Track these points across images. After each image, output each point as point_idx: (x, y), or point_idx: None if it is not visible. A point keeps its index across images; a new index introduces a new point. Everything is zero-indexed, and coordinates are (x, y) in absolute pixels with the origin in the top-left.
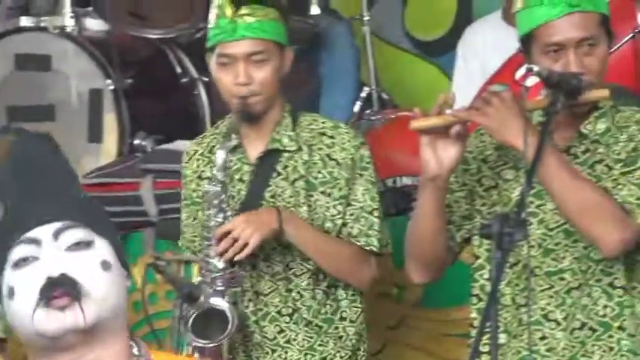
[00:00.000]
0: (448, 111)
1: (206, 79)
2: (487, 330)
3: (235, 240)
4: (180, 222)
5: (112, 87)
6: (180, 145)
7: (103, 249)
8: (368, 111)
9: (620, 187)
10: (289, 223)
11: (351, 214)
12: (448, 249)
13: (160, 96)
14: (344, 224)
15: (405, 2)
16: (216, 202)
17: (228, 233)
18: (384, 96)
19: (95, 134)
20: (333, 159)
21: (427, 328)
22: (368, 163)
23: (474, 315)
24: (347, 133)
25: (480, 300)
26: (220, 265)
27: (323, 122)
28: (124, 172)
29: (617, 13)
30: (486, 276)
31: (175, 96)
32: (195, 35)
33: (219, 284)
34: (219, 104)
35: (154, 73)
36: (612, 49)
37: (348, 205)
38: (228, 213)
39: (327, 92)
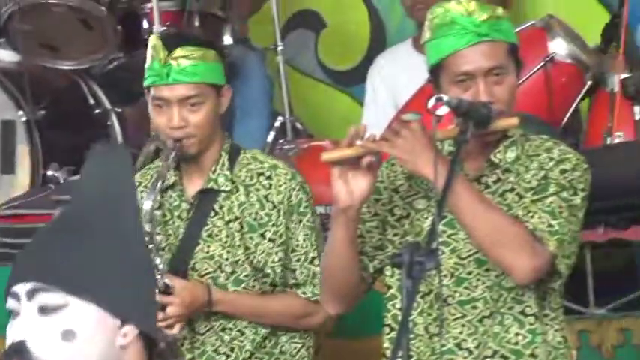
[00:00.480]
0: (359, 142)
1: (119, 110)
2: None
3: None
4: None
5: (24, 118)
6: None
7: (73, 315)
8: (281, 141)
9: (531, 214)
10: (220, 305)
11: (297, 260)
12: (362, 279)
13: (73, 127)
14: (290, 270)
15: (318, 32)
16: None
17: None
18: (298, 125)
19: (8, 166)
20: (270, 201)
21: (341, 358)
22: (306, 207)
23: (386, 345)
24: (285, 174)
25: (392, 329)
26: None
27: (261, 162)
28: (37, 203)
29: (527, 42)
30: (398, 305)
31: (88, 127)
32: (108, 66)
33: None
34: (133, 135)
35: (67, 105)
36: (522, 79)
37: (292, 251)
38: (158, 261)
39: (241, 122)
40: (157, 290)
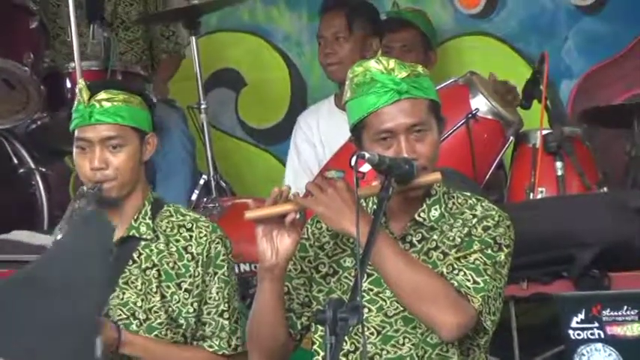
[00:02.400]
0: (291, 196)
1: (43, 170)
2: None
3: None
4: None
5: None
6: (17, 235)
7: None
8: (205, 199)
9: (455, 272)
10: (129, 347)
11: (208, 313)
12: (289, 337)
13: None
14: (201, 322)
15: (238, 90)
16: None
17: None
18: (222, 184)
19: None
20: (189, 252)
21: None
22: (223, 261)
23: None
24: (206, 227)
25: None
26: None
27: (183, 215)
28: None
29: (449, 99)
30: None
31: (12, 187)
32: (31, 126)
33: None
34: (58, 195)
35: None
36: (445, 135)
37: (205, 303)
38: None
39: (162, 181)
40: None
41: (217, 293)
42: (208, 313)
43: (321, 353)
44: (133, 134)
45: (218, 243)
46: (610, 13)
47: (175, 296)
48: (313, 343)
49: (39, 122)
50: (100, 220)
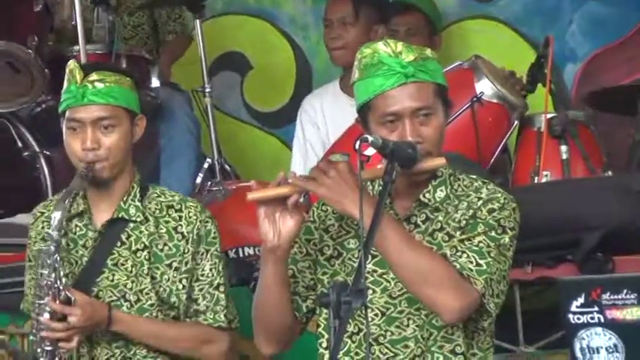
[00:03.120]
0: (290, 179)
1: (47, 153)
2: None
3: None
4: (24, 284)
5: None
6: (21, 218)
7: None
8: (209, 182)
9: (459, 253)
10: (119, 324)
11: (200, 289)
12: (295, 320)
13: (1, 170)
14: (193, 299)
15: (244, 74)
16: (49, 261)
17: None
18: (227, 167)
19: None
20: (180, 232)
21: None
22: (214, 238)
23: None
24: (194, 207)
25: None
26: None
27: (171, 196)
28: None
29: (454, 83)
30: (325, 345)
31: (17, 170)
32: (35, 109)
33: (48, 344)
34: (62, 177)
35: None
36: (450, 119)
37: (196, 280)
38: (61, 273)
39: (167, 164)
40: (57, 301)
41: (211, 269)
42: (201, 289)
43: (326, 336)
44: (124, 115)
45: (207, 222)
46: None
47: (165, 276)
48: (319, 326)
49: (43, 105)
50: None
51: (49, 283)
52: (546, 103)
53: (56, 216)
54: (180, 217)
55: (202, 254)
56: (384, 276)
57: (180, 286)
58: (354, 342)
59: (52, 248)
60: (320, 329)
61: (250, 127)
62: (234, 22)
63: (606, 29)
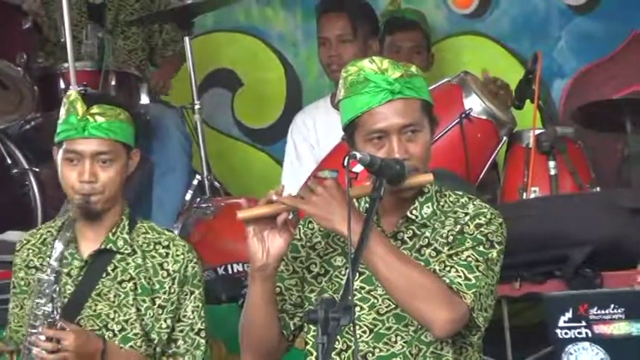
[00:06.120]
0: (275, 197)
1: (37, 170)
2: None
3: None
4: (8, 311)
5: None
6: (10, 235)
7: None
8: (199, 199)
9: (447, 268)
10: (114, 357)
11: (180, 331)
12: (282, 337)
13: None
14: (173, 339)
15: (235, 90)
16: (47, 291)
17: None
18: (216, 184)
19: None
20: (165, 269)
21: None
22: (199, 281)
23: None
24: (182, 246)
25: None
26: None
27: (159, 233)
28: None
29: (443, 99)
30: None
31: (6, 187)
32: (24, 126)
33: None
34: (51, 194)
35: None
36: (438, 135)
37: (178, 320)
38: (58, 303)
39: (160, 180)
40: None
41: (193, 312)
42: (181, 331)
43: (314, 353)
44: (122, 150)
45: (195, 263)
46: (602, 13)
47: (150, 311)
48: (306, 344)
49: (32, 123)
50: None
51: (46, 312)
52: (534, 119)
53: (58, 247)
54: (168, 253)
55: (186, 294)
56: (372, 293)
57: (164, 325)
58: (342, 359)
59: (52, 278)
60: (308, 347)
61: (241, 144)
62: (225, 39)
63: (594, 45)
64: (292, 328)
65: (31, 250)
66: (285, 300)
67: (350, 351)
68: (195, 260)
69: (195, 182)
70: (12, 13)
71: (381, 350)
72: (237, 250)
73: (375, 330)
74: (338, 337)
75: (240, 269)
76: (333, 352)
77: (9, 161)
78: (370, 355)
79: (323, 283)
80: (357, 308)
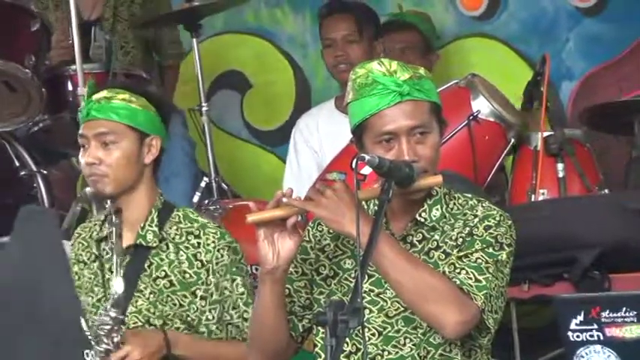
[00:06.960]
0: (284, 199)
1: (45, 172)
2: None
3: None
4: None
5: None
6: None
7: None
8: (207, 201)
9: (457, 270)
10: (177, 346)
11: (239, 317)
12: (291, 339)
13: None
14: (234, 326)
15: (244, 92)
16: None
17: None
18: (224, 186)
19: None
20: (199, 260)
21: None
22: (238, 268)
23: None
24: (214, 234)
25: None
26: None
27: (192, 221)
28: None
29: (451, 101)
30: None
31: (14, 189)
32: (32, 128)
33: None
34: (59, 196)
35: None
36: (446, 137)
37: (233, 308)
38: (107, 319)
39: (163, 185)
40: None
41: (237, 300)
42: (232, 317)
43: (323, 355)
44: (129, 133)
45: (229, 250)
46: (610, 15)
47: (193, 305)
48: (315, 346)
49: (40, 125)
50: (40, 216)
51: (112, 324)
52: (543, 122)
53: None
54: (199, 243)
55: (227, 283)
56: (381, 295)
57: (210, 317)
58: None
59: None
60: (317, 349)
61: (250, 146)
62: (234, 41)
63: (602, 47)
64: (301, 330)
65: (80, 244)
66: (294, 302)
67: (359, 353)
68: (228, 247)
69: (203, 184)
70: (20, 14)
71: (389, 353)
72: (245, 251)
73: (384, 333)
74: (347, 339)
75: (249, 271)
76: (342, 355)
77: (17, 163)
78: (379, 357)
79: (332, 286)
80: (366, 311)
